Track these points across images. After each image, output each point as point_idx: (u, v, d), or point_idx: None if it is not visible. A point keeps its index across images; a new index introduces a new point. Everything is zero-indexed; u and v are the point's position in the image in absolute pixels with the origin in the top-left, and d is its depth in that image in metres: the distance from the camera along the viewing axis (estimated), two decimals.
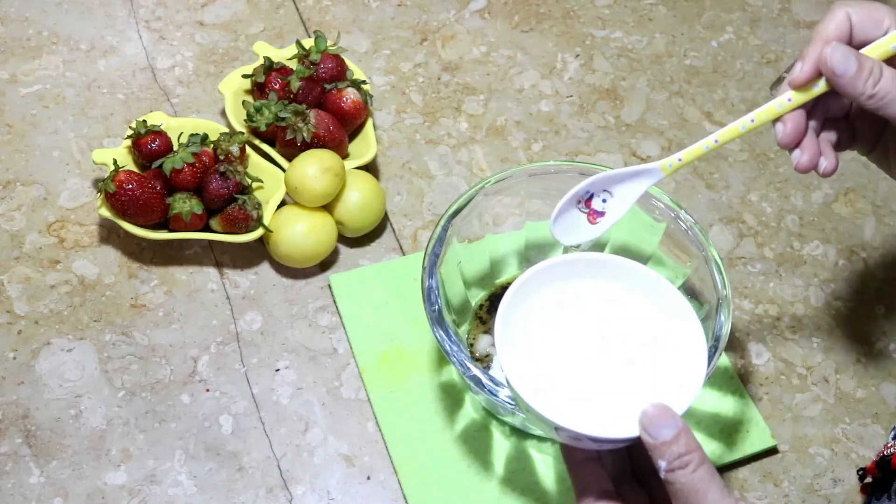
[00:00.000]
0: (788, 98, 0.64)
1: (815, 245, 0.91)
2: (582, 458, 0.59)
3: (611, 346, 0.61)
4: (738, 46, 1.04)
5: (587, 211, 0.68)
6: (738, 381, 0.82)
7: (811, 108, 0.66)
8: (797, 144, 0.66)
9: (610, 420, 0.57)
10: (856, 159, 0.97)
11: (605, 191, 0.67)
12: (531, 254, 0.84)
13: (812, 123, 0.66)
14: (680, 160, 0.67)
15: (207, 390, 0.80)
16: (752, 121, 0.65)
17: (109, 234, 0.88)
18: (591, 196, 0.67)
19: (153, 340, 0.82)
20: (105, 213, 0.83)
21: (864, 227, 0.92)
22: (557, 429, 0.57)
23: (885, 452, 0.76)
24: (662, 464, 0.55)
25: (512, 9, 1.05)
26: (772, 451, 0.80)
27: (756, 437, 0.79)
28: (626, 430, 0.56)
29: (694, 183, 0.94)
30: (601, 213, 0.67)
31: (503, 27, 1.04)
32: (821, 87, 0.64)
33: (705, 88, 1.01)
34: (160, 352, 0.82)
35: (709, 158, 0.95)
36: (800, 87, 0.64)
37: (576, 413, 0.57)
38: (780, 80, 0.76)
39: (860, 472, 0.78)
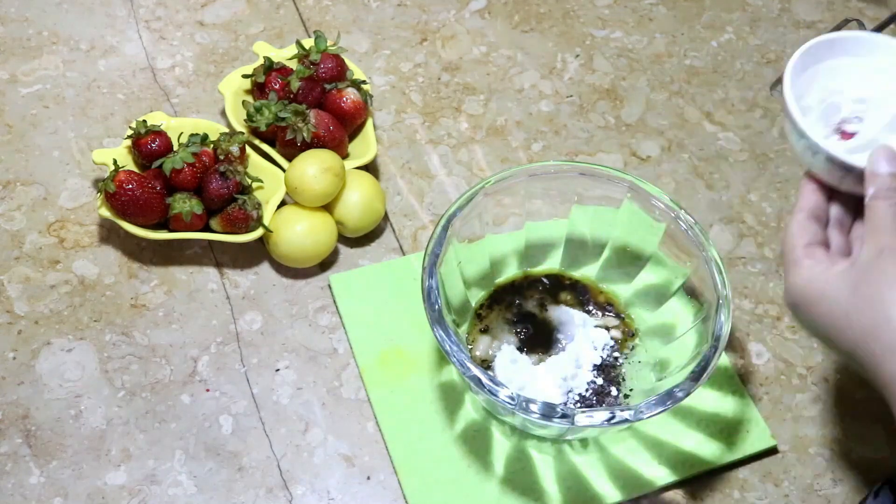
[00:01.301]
0: None
1: None
2: (815, 185, 0.65)
3: (878, 106, 0.66)
4: (738, 46, 1.04)
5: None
6: (738, 381, 0.82)
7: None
8: None
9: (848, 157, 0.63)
10: None
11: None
12: (531, 254, 0.85)
13: None
14: None
15: (207, 390, 0.80)
16: None
17: (109, 234, 0.88)
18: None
19: (153, 340, 0.82)
20: (105, 213, 0.83)
21: None
22: (803, 136, 0.63)
23: None
24: (871, 190, 0.61)
25: (512, 9, 1.05)
26: (772, 451, 0.80)
27: (756, 437, 0.79)
28: (855, 160, 0.62)
29: (694, 183, 0.94)
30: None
31: (503, 27, 1.04)
32: None
33: (705, 88, 1.01)
34: (160, 352, 0.82)
35: (708, 158, 0.95)
36: None
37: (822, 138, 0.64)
38: (780, 80, 0.75)
39: None
